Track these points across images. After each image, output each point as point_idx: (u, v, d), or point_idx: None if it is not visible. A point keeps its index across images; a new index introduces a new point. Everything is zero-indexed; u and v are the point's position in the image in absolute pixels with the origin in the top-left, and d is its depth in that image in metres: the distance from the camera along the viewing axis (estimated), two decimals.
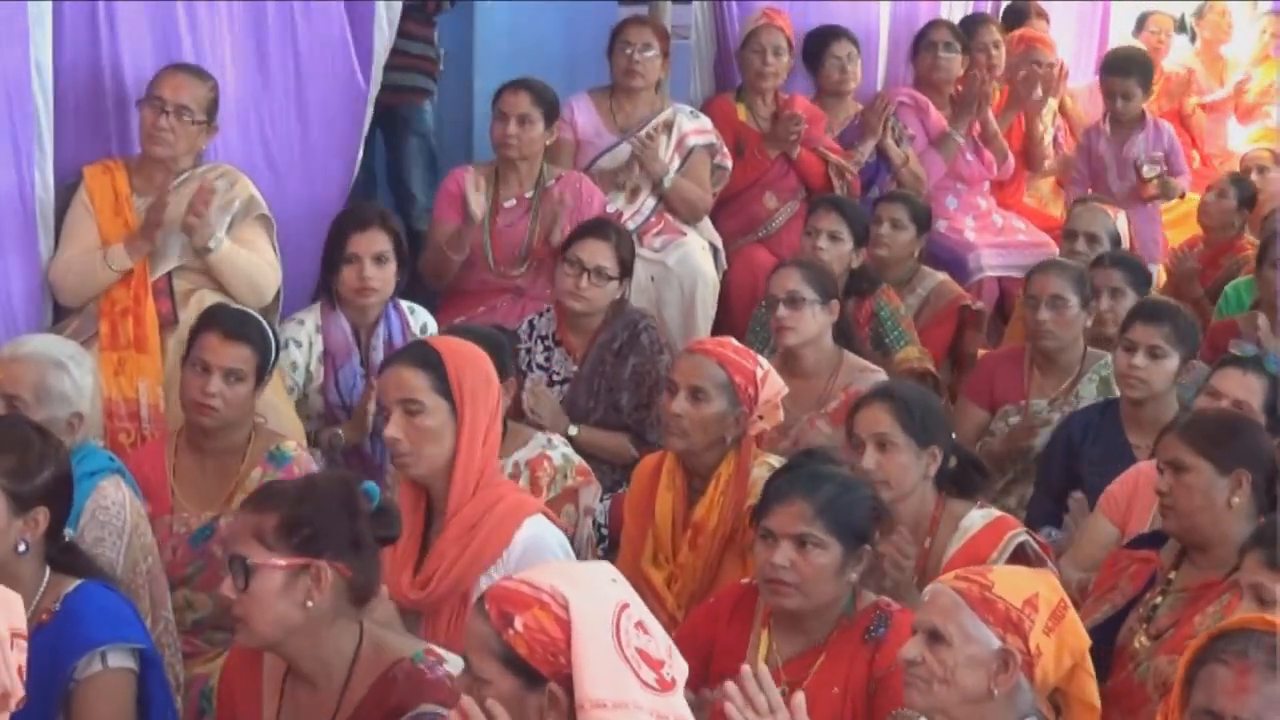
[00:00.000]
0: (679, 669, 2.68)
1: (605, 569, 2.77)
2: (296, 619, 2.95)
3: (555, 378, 5.31)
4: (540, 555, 3.54)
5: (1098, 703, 3.10)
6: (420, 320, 5.22)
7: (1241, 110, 9.44)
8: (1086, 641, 3.08)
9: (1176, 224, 7.80)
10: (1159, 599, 3.77)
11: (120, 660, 3.25)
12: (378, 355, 4.98)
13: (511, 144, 5.85)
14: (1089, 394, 5.29)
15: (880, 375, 5.09)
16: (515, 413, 4.82)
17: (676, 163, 6.40)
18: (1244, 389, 4.40)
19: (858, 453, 4.03)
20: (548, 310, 5.44)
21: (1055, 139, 8.07)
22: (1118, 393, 5.02)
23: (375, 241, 5.05)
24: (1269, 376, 4.43)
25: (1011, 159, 7.46)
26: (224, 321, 4.31)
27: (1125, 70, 7.57)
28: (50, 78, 4.80)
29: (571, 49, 7.11)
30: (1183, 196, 7.76)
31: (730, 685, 2.76)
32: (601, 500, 4.75)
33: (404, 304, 5.24)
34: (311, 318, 5.15)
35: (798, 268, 5.28)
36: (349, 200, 5.81)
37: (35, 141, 4.77)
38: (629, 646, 2.60)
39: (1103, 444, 4.86)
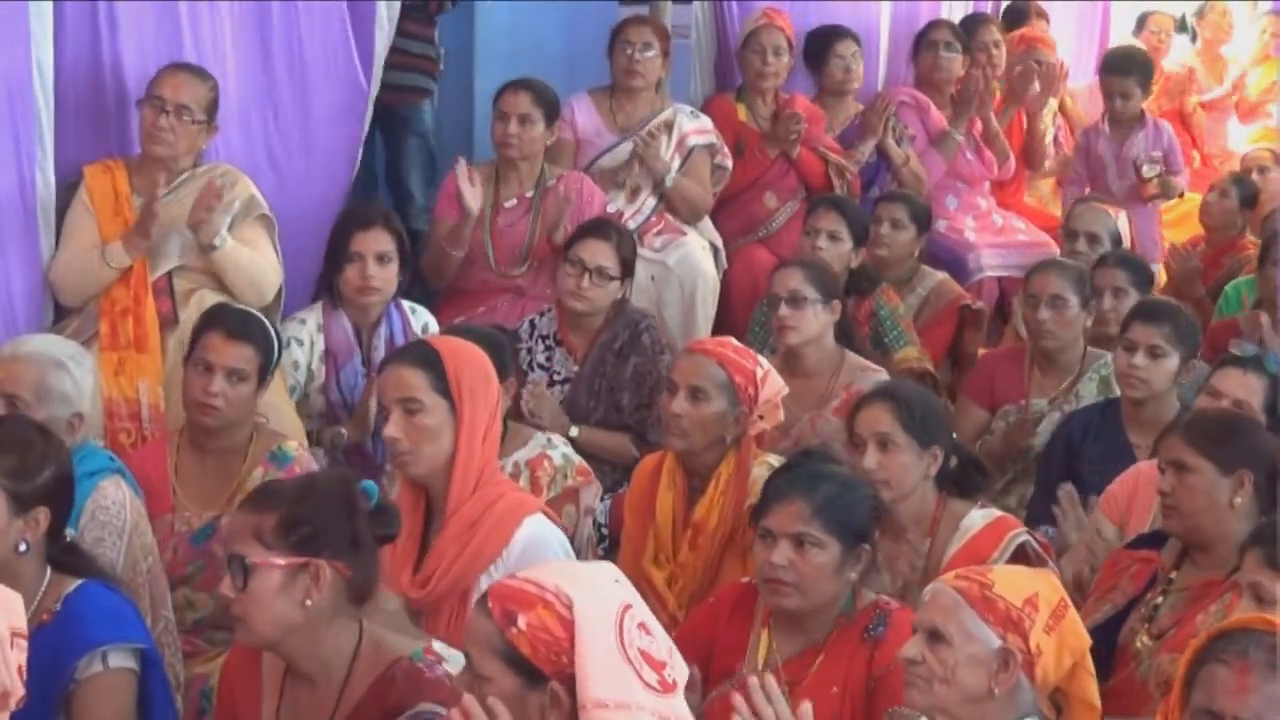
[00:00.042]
0: (680, 671, 2.68)
1: (609, 569, 2.77)
2: (295, 618, 2.95)
3: (556, 377, 5.31)
4: (540, 554, 3.55)
5: (1098, 702, 3.10)
6: (422, 320, 5.22)
7: (1243, 109, 9.45)
8: (1087, 641, 3.08)
9: (1177, 223, 7.81)
10: (1160, 598, 3.77)
11: (121, 660, 3.25)
12: (379, 355, 4.99)
13: (512, 144, 5.86)
14: (1089, 393, 5.29)
15: (882, 375, 5.09)
16: (515, 413, 4.82)
17: (677, 162, 6.40)
18: (1244, 389, 4.40)
19: (859, 452, 4.03)
20: (549, 310, 5.45)
21: (1055, 139, 8.08)
22: (1118, 392, 5.02)
23: (378, 241, 5.06)
24: (1269, 376, 4.43)
25: (1012, 159, 7.46)
26: (227, 321, 4.31)
27: (1124, 70, 7.57)
28: (51, 77, 4.80)
29: (571, 49, 7.11)
30: (1181, 196, 7.76)
31: (737, 698, 2.75)
32: (602, 500, 4.75)
33: (405, 304, 5.24)
34: (313, 317, 5.16)
35: (800, 267, 5.28)
36: (349, 200, 5.82)
37: (36, 141, 4.77)
38: (632, 647, 2.60)
39: (1103, 443, 4.86)
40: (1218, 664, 2.62)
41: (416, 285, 5.83)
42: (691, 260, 6.32)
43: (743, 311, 6.30)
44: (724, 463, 4.20)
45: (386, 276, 5.08)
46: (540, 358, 5.35)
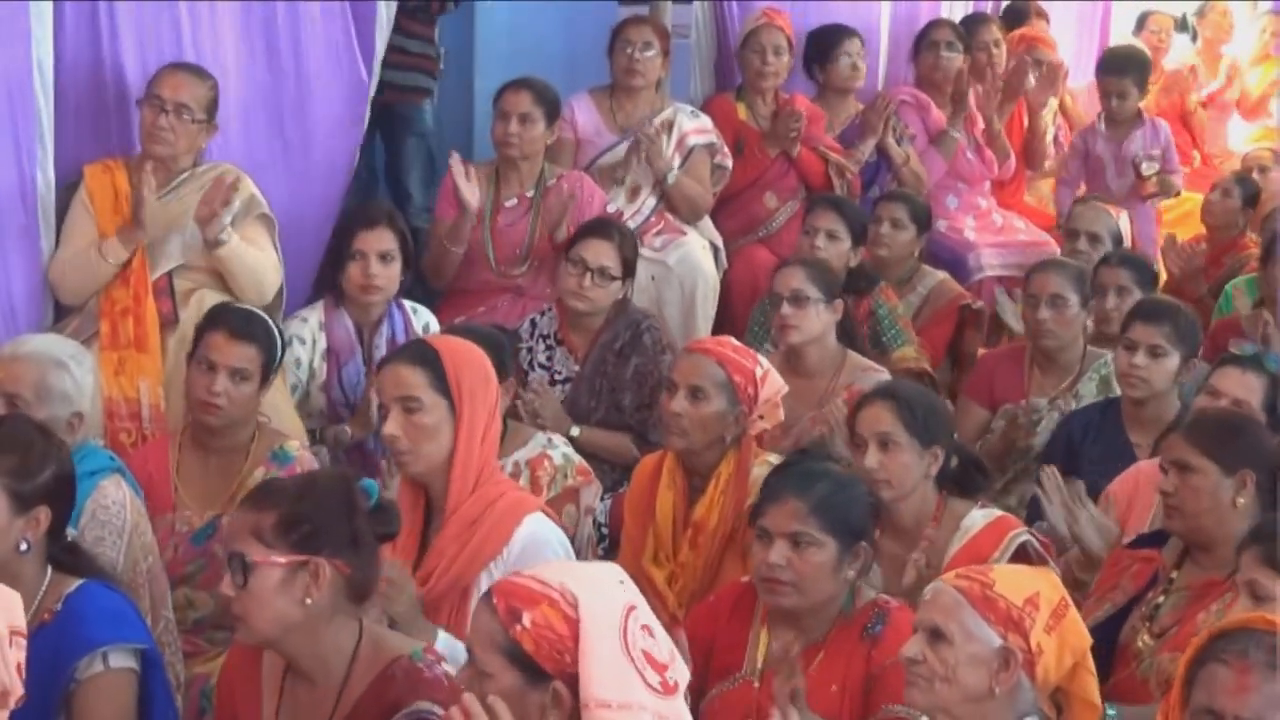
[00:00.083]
0: (681, 673, 2.68)
1: (614, 570, 2.77)
2: (295, 616, 2.95)
3: (557, 377, 5.31)
4: (540, 553, 3.55)
5: (1099, 701, 3.10)
6: (423, 320, 5.23)
7: (1246, 107, 9.45)
8: (1088, 640, 3.08)
9: (1178, 223, 7.80)
10: (1162, 598, 3.77)
11: (122, 660, 3.25)
12: (380, 353, 4.99)
13: (513, 143, 5.86)
14: (1089, 393, 5.29)
15: (883, 375, 5.09)
16: (514, 413, 4.82)
17: (677, 162, 6.40)
18: (1243, 388, 4.39)
19: (860, 452, 4.03)
20: (549, 309, 5.45)
21: (1056, 138, 8.08)
22: (1118, 391, 5.02)
23: (382, 239, 5.07)
24: (1268, 375, 4.43)
25: (1013, 158, 7.47)
26: (230, 320, 4.31)
27: (1121, 69, 7.59)
28: (51, 76, 4.80)
29: (571, 48, 7.11)
30: (1177, 194, 7.77)
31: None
32: (602, 500, 4.75)
33: (407, 304, 5.25)
34: (315, 315, 5.17)
35: (802, 266, 5.28)
36: (348, 199, 5.83)
37: (37, 140, 4.78)
38: (635, 648, 2.60)
39: (1103, 443, 4.86)
40: (1218, 663, 2.62)
41: (418, 285, 5.83)
42: (692, 260, 6.32)
43: (743, 311, 6.30)
44: (724, 462, 4.20)
45: (389, 275, 5.09)
46: (541, 357, 5.35)
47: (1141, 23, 9.61)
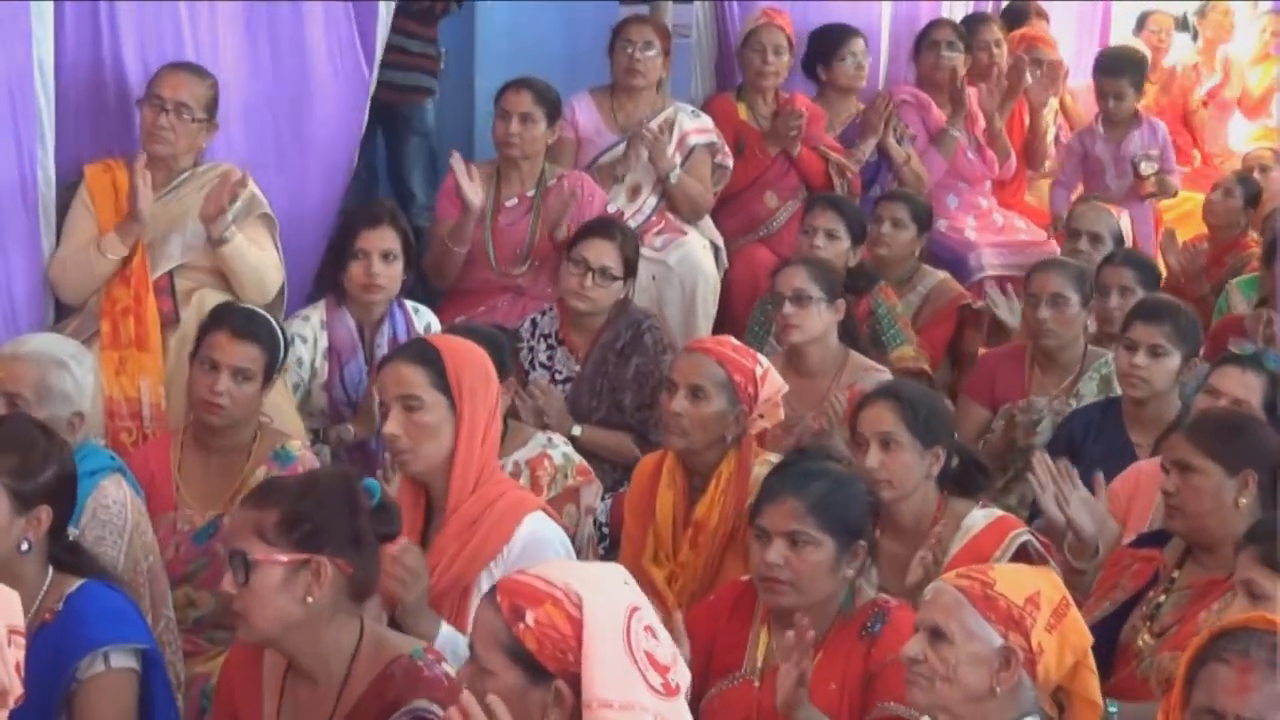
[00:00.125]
0: (683, 676, 2.68)
1: (618, 571, 2.77)
2: (296, 614, 2.95)
3: (558, 377, 5.31)
4: (540, 552, 3.55)
5: (1100, 700, 3.10)
6: (424, 320, 5.23)
7: (1247, 106, 9.45)
8: (1089, 639, 3.08)
9: (1179, 222, 7.79)
10: (1163, 597, 3.77)
11: (123, 660, 3.25)
12: (382, 353, 4.98)
13: (514, 143, 5.86)
14: (1090, 392, 5.29)
15: (885, 375, 5.09)
16: (514, 412, 4.82)
17: (678, 161, 6.40)
18: (1243, 387, 4.39)
19: (861, 451, 4.03)
20: (550, 309, 5.45)
21: (1057, 138, 8.09)
22: (1119, 391, 5.02)
23: (384, 239, 5.07)
24: (1268, 374, 4.42)
25: (1013, 157, 7.47)
26: (233, 320, 4.31)
27: (1117, 70, 7.59)
28: (52, 76, 4.81)
29: (572, 48, 7.12)
30: (1175, 194, 7.77)
31: None
32: (603, 499, 4.75)
33: (409, 304, 5.25)
34: (317, 314, 5.17)
35: (804, 266, 5.28)
36: (348, 199, 5.83)
37: (37, 140, 4.79)
38: (638, 649, 2.60)
39: (1104, 442, 4.85)
40: (1219, 663, 2.62)
41: (419, 285, 5.83)
42: (692, 259, 6.32)
43: (743, 310, 6.30)
44: (725, 461, 4.20)
45: (391, 274, 5.09)
46: (542, 357, 5.35)
47: (1142, 22, 9.62)
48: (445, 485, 3.61)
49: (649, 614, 2.68)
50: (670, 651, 2.68)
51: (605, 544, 4.79)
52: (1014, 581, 3.02)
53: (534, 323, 5.42)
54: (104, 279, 4.89)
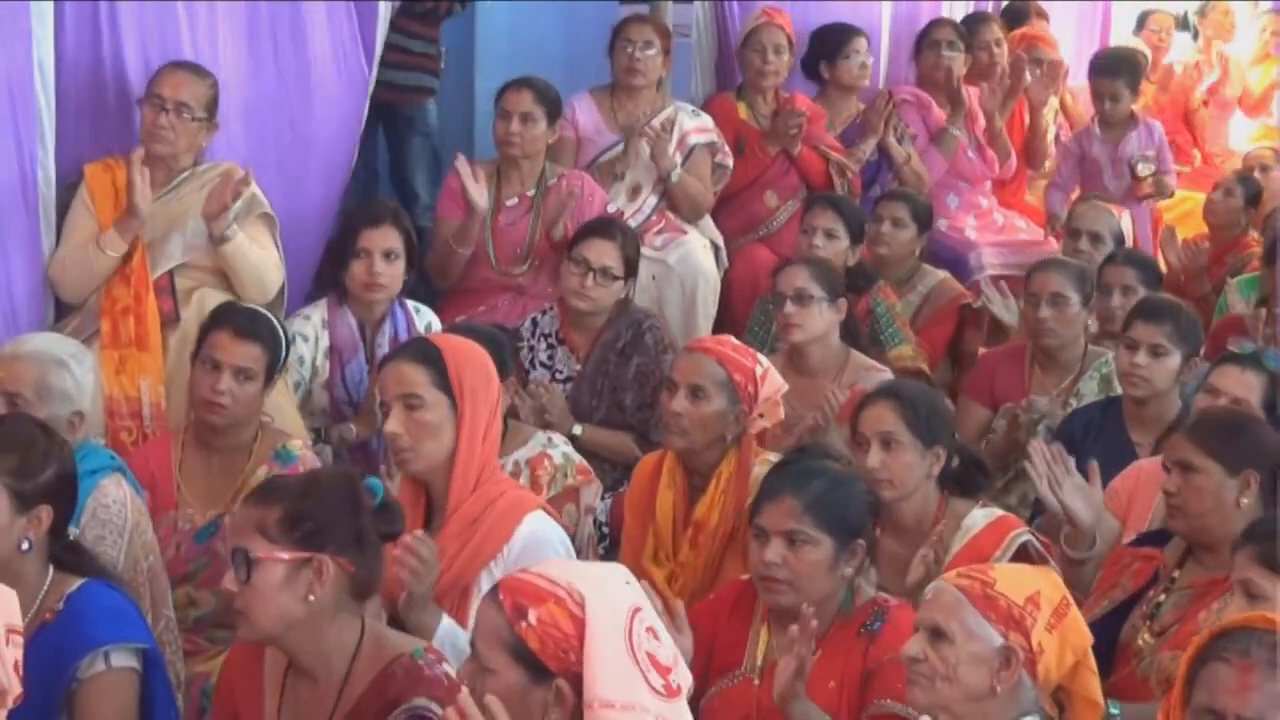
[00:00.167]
0: (684, 677, 2.68)
1: (620, 571, 2.76)
2: (298, 613, 2.95)
3: (558, 376, 5.31)
4: (541, 551, 3.55)
5: (1101, 700, 3.10)
6: (425, 319, 5.23)
7: (1248, 104, 9.45)
8: (1089, 639, 3.07)
9: (1178, 222, 7.80)
10: (1163, 596, 3.77)
11: (123, 660, 3.25)
12: (383, 352, 4.98)
13: (514, 142, 5.86)
14: (1090, 391, 5.29)
15: (886, 374, 5.09)
16: (514, 412, 4.82)
17: (679, 160, 6.40)
18: (1242, 386, 4.39)
19: (862, 451, 4.03)
20: (551, 308, 5.45)
21: (1057, 137, 8.09)
22: (1119, 390, 5.02)
23: (386, 238, 5.07)
24: (1267, 373, 4.42)
25: (1014, 157, 7.47)
26: (235, 320, 4.31)
27: (1113, 71, 7.59)
28: (52, 76, 4.81)
29: (572, 48, 7.12)
30: (1171, 195, 7.77)
31: None
32: (603, 499, 4.75)
33: (410, 303, 5.25)
34: (318, 312, 5.17)
35: (806, 265, 5.28)
36: (347, 199, 5.83)
37: (38, 140, 4.79)
38: (640, 650, 2.60)
39: (1104, 441, 4.85)
40: (1219, 662, 2.62)
41: (421, 285, 5.83)
42: (692, 259, 6.32)
43: (743, 310, 6.30)
44: (725, 461, 4.20)
45: (393, 274, 5.09)
46: (542, 356, 5.35)
47: (1142, 22, 9.62)
48: (446, 484, 3.61)
49: (651, 615, 2.68)
50: (672, 653, 2.67)
51: (605, 543, 4.79)
52: (1014, 581, 3.02)
53: (534, 322, 5.42)
54: (104, 277, 4.90)
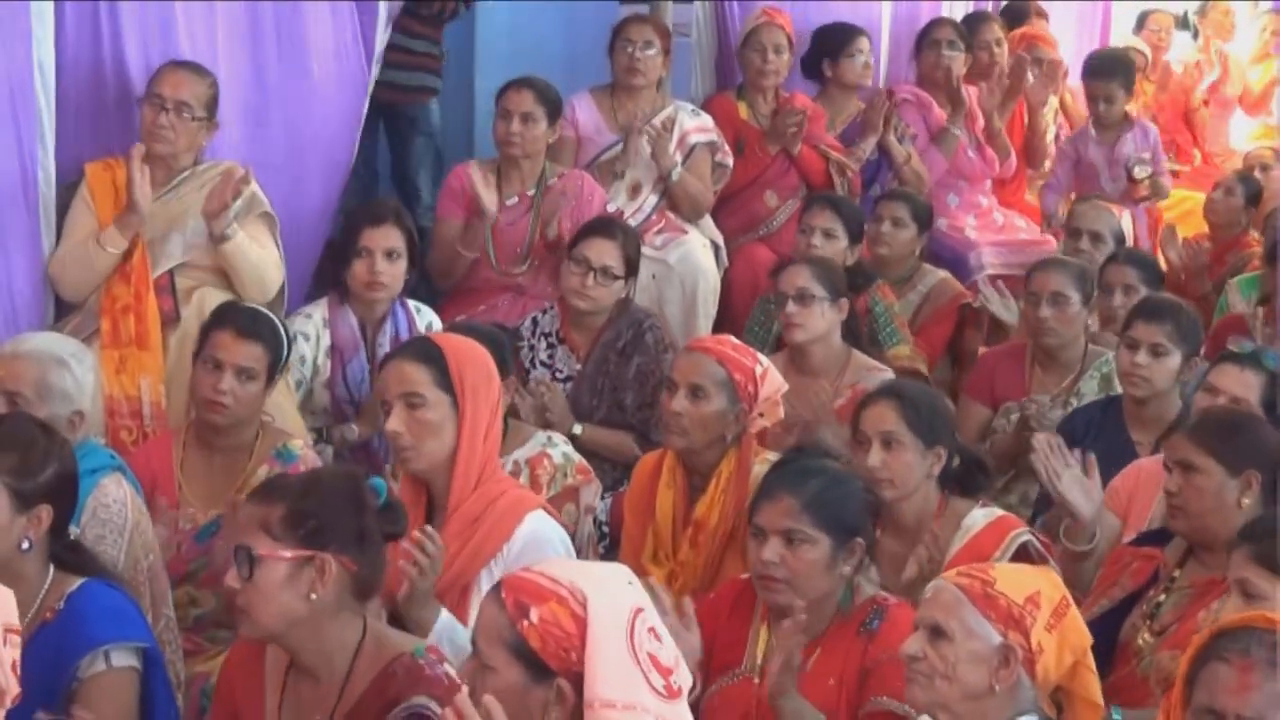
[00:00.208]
0: (685, 679, 2.68)
1: (623, 571, 2.77)
2: (300, 611, 2.95)
3: (559, 375, 5.31)
4: (541, 551, 3.56)
5: (1100, 699, 3.10)
6: (426, 319, 5.23)
7: (1249, 103, 9.46)
8: (1088, 639, 3.08)
9: (1179, 221, 7.82)
10: (1163, 596, 3.77)
11: (123, 659, 3.25)
12: (384, 351, 4.99)
13: (514, 142, 5.87)
14: (1090, 391, 5.29)
15: (887, 374, 5.09)
16: (514, 411, 4.82)
17: (679, 159, 6.40)
18: (1241, 385, 4.39)
19: (862, 450, 4.03)
20: (551, 308, 5.45)
21: (1056, 136, 8.09)
22: (1119, 389, 5.02)
23: (388, 237, 5.07)
24: (1267, 373, 4.42)
25: (1014, 156, 7.47)
26: (237, 319, 4.31)
27: (1108, 73, 7.59)
28: (52, 76, 4.81)
29: (572, 48, 7.12)
30: (1166, 195, 7.77)
31: None
32: (603, 498, 4.75)
33: (411, 303, 5.25)
34: (319, 311, 5.18)
35: (808, 265, 5.28)
36: (346, 199, 5.83)
37: (38, 139, 4.79)
38: (641, 650, 2.60)
39: (1105, 441, 4.85)
40: (1219, 662, 2.62)
41: (422, 285, 5.84)
42: (692, 258, 6.32)
43: (744, 309, 6.30)
44: (725, 461, 4.20)
45: (394, 273, 5.10)
46: (543, 355, 5.35)
47: (1142, 21, 9.62)
48: (447, 483, 3.62)
49: (653, 616, 2.68)
50: (673, 654, 2.68)
51: (605, 543, 4.79)
52: (1014, 580, 3.02)
53: (535, 321, 5.42)
54: (104, 275, 4.90)
